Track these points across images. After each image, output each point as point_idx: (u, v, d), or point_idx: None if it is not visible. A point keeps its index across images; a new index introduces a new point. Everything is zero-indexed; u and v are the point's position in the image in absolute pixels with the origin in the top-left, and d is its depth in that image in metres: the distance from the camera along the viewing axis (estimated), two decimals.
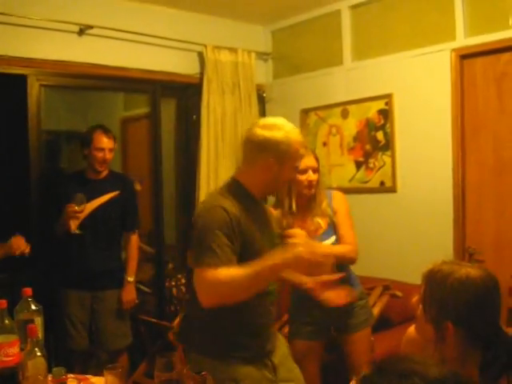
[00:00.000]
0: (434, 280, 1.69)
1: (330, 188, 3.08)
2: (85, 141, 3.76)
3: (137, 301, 3.93)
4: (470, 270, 1.64)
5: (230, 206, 2.13)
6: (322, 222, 2.90)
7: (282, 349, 2.37)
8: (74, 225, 3.60)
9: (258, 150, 2.18)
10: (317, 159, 2.95)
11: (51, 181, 4.04)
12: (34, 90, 3.92)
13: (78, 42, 4.01)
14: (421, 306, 1.73)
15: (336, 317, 2.86)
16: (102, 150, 3.73)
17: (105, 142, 3.74)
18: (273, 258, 1.99)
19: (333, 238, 2.90)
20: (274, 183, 2.26)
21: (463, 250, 3.87)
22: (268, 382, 2.21)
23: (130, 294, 3.85)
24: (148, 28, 4.28)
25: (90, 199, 3.68)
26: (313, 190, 2.91)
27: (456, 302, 1.62)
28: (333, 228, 2.93)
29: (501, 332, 1.66)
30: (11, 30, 3.69)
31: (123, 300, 3.81)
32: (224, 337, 2.20)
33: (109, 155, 3.76)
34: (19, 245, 3.19)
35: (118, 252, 3.93)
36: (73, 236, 3.63)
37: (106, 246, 3.81)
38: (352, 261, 2.91)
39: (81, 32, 3.99)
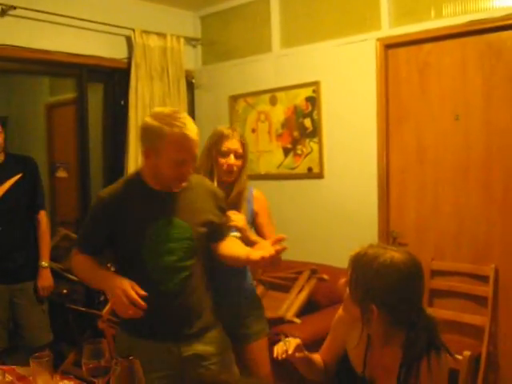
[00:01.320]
0: (360, 263, 1.76)
1: (251, 185, 2.81)
2: None
3: (53, 287, 3.70)
4: (394, 254, 1.71)
5: (110, 190, 2.26)
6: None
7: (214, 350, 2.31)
8: None
9: (140, 137, 2.19)
10: (243, 144, 2.72)
11: None
12: None
13: (0, 23, 3.87)
14: (347, 289, 1.79)
15: (228, 326, 2.48)
16: None
17: None
18: (105, 279, 2.14)
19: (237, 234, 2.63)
20: (158, 173, 2.18)
21: (387, 234, 3.99)
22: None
23: (46, 280, 3.60)
24: (74, 10, 4.17)
25: None
26: (232, 177, 2.70)
27: (380, 285, 1.69)
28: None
29: (423, 314, 1.73)
30: None
31: (39, 286, 3.58)
32: None
33: None
34: None
35: (32, 239, 3.64)
36: None
37: (19, 235, 3.54)
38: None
39: (3, 12, 3.85)
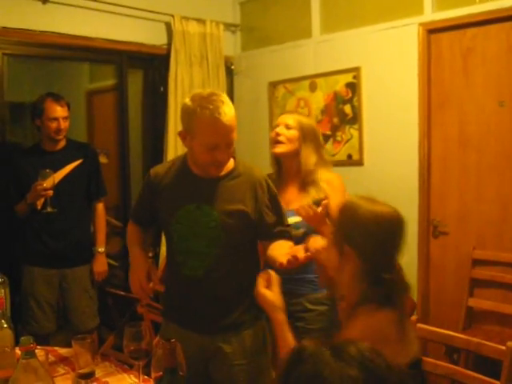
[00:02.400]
0: (346, 209, 1.79)
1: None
2: (35, 111, 3.54)
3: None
4: (382, 208, 1.74)
5: (159, 168, 2.37)
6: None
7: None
8: (39, 203, 3.41)
9: (180, 118, 2.20)
10: (298, 122, 2.74)
11: (5, 157, 3.73)
12: None
13: (42, 10, 3.91)
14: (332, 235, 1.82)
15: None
16: (56, 119, 3.50)
17: (58, 110, 3.51)
18: (133, 257, 2.34)
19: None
20: (194, 156, 2.18)
21: (428, 223, 3.94)
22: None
23: (101, 266, 3.73)
24: None
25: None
26: (281, 149, 2.73)
27: (360, 230, 1.71)
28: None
29: (394, 270, 1.73)
30: None
31: (95, 271, 3.69)
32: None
33: (64, 124, 3.54)
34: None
35: (86, 225, 3.75)
36: (36, 212, 3.44)
37: (73, 220, 3.60)
38: None
39: (45, 0, 3.89)
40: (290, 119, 2.76)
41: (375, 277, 1.68)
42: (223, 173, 2.21)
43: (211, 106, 2.03)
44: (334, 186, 2.70)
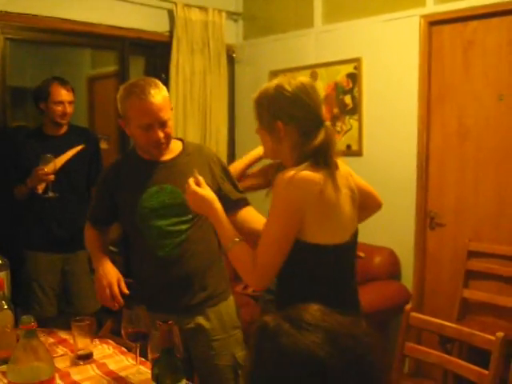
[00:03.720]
0: (263, 93, 1.92)
1: None
2: (40, 94, 3.52)
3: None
4: (297, 78, 1.90)
5: (108, 167, 2.46)
6: None
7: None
8: (40, 187, 3.43)
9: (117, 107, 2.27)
10: None
11: (6, 141, 3.74)
12: None
13: None
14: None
15: None
16: (61, 103, 3.50)
17: (63, 94, 3.51)
18: (99, 263, 2.27)
19: None
20: (136, 142, 2.28)
21: (425, 214, 3.97)
22: None
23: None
24: None
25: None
26: None
27: (281, 101, 1.86)
28: None
29: (323, 123, 1.87)
30: None
31: None
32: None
33: (69, 108, 3.55)
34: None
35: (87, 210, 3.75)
36: (38, 197, 3.45)
37: (75, 204, 3.57)
38: None
39: None
40: None
41: (308, 141, 1.83)
42: (175, 154, 2.31)
43: (137, 90, 2.13)
44: None
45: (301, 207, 1.76)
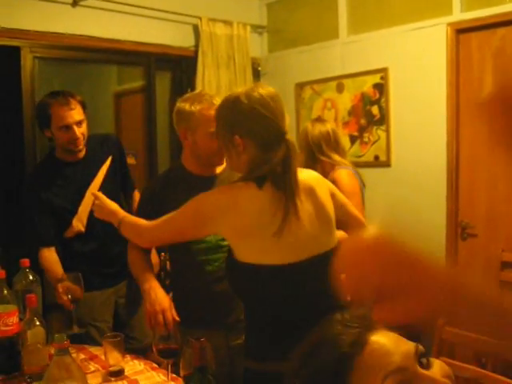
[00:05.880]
0: (221, 108, 1.91)
1: None
2: (42, 120, 2.78)
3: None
4: (260, 91, 1.84)
5: (156, 182, 2.56)
6: None
7: None
8: (71, 232, 2.86)
9: (176, 122, 2.33)
10: None
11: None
12: (27, 62, 3.88)
13: (71, 14, 3.96)
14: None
15: None
16: (68, 127, 2.72)
17: (67, 116, 2.71)
18: (149, 285, 2.18)
19: None
20: (197, 151, 2.30)
21: (456, 224, 3.91)
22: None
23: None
24: (142, 0, 4.24)
25: (82, 189, 2.85)
26: None
27: (238, 115, 1.82)
28: None
29: (285, 136, 1.81)
30: (4, 1, 3.64)
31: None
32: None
33: (80, 130, 2.76)
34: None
35: None
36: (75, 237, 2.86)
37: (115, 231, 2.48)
38: None
39: (74, 3, 3.94)
40: None
41: (267, 155, 1.79)
42: (222, 167, 2.37)
43: (205, 99, 2.24)
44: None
45: (208, 221, 1.84)
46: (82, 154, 2.88)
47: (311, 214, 1.84)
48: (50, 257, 2.78)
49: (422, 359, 0.92)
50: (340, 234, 2.09)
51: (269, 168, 1.77)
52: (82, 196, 2.84)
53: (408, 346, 0.93)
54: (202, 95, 2.28)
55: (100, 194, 2.29)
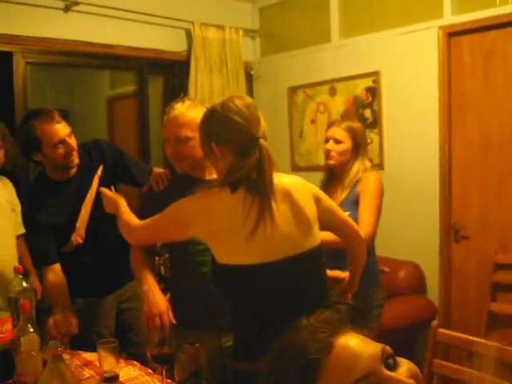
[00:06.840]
0: (202, 116, 1.97)
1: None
2: (29, 146, 2.63)
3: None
4: (232, 99, 1.90)
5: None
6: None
7: None
8: (69, 247, 2.79)
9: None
10: (348, 131, 2.91)
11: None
12: (19, 67, 3.89)
13: (63, 19, 3.97)
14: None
15: None
16: (62, 142, 2.61)
17: (58, 129, 2.61)
18: (148, 287, 2.25)
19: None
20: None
21: (449, 227, 3.92)
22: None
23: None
24: (135, 5, 4.24)
25: (77, 205, 2.76)
26: (333, 162, 2.94)
27: (215, 123, 1.89)
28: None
29: (258, 141, 1.84)
30: None
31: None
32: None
33: (71, 142, 2.65)
34: None
35: None
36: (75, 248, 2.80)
37: (116, 239, 2.44)
38: None
39: (66, 8, 3.95)
40: (339, 133, 2.92)
41: (243, 161, 1.83)
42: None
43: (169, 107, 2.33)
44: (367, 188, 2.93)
45: (186, 225, 1.92)
46: (73, 171, 2.77)
47: (287, 216, 1.87)
48: (54, 279, 2.69)
49: (390, 360, 0.94)
50: (326, 234, 2.14)
51: (244, 173, 1.82)
52: (77, 211, 2.76)
53: (375, 348, 0.95)
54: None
55: (105, 191, 2.40)
